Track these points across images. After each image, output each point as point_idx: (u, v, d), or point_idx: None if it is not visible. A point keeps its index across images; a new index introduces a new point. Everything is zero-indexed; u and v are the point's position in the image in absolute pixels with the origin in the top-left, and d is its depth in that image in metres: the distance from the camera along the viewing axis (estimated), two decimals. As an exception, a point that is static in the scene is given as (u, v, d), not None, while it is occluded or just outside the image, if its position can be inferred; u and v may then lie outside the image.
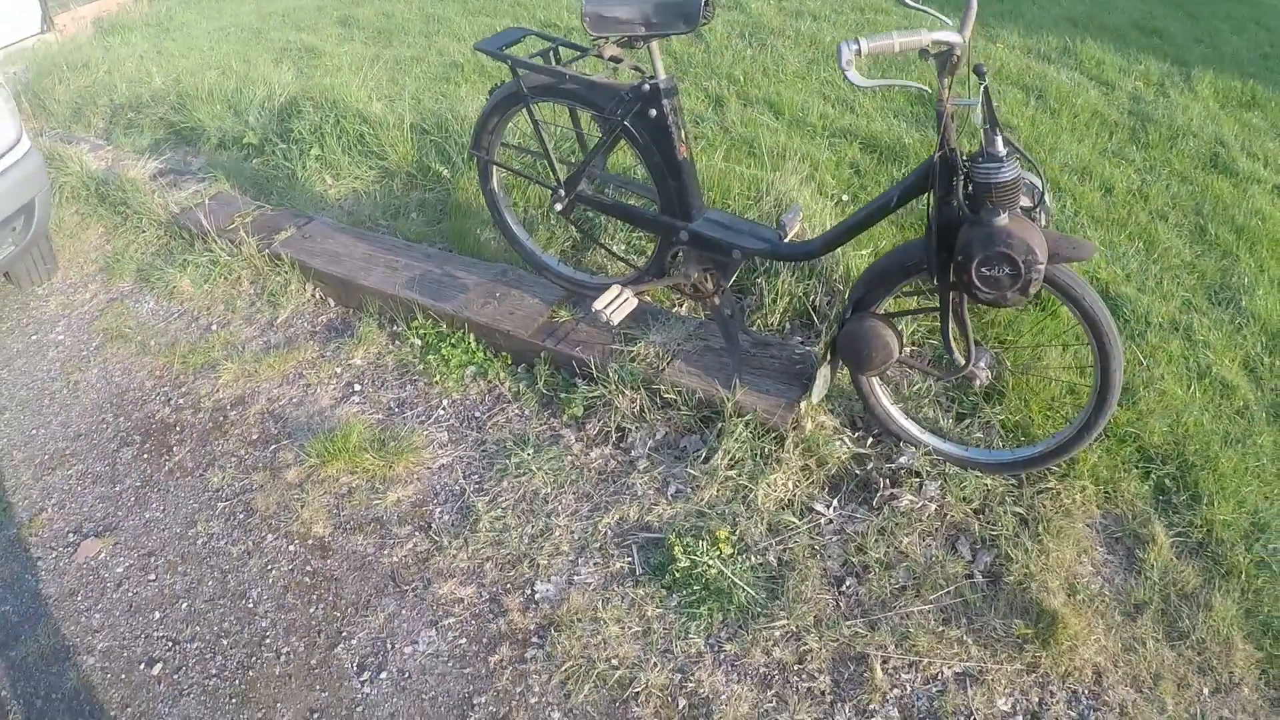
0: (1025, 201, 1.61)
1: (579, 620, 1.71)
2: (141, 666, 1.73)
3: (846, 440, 2.05)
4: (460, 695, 1.63)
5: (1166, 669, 1.60)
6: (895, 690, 1.58)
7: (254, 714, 1.63)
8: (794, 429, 2.03)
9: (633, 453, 2.11)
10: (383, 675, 1.67)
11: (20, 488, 2.18)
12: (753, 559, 1.80)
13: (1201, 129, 3.40)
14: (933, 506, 1.88)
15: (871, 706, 1.55)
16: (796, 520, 1.87)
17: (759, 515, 1.88)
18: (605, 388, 2.17)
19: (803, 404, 2.03)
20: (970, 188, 1.56)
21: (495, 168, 2.38)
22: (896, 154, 3.05)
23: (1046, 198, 1.63)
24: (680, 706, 1.57)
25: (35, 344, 2.71)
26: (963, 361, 1.84)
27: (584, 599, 1.76)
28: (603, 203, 2.20)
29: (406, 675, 1.67)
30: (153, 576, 1.92)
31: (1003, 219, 1.51)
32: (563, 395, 2.24)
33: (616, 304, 2.09)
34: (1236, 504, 1.86)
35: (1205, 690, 1.58)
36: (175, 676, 1.71)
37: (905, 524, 1.84)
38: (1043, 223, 1.65)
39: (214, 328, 2.72)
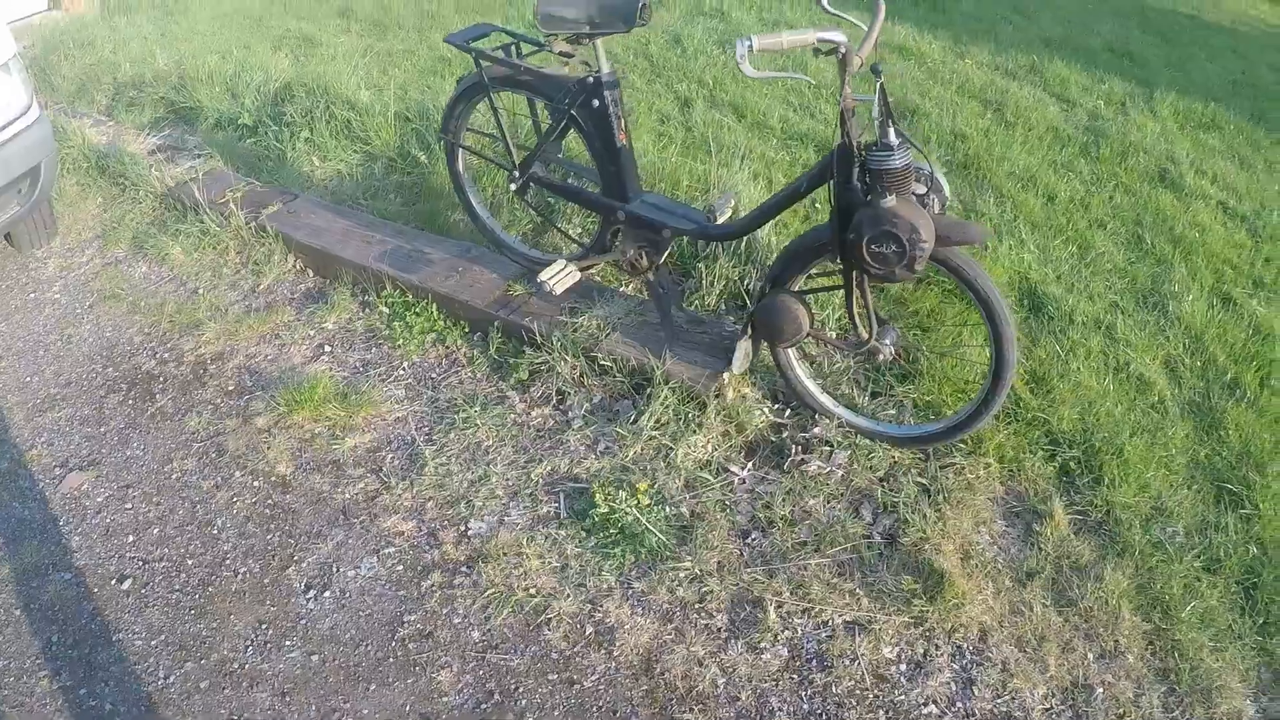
0: (919, 188, 1.81)
1: (505, 554, 1.94)
2: (113, 582, 1.96)
3: (766, 410, 2.27)
4: (393, 614, 1.85)
5: (1052, 632, 1.76)
6: (787, 632, 1.79)
7: (209, 624, 1.86)
8: (716, 397, 2.25)
9: (570, 414, 2.33)
10: (326, 594, 1.90)
11: (14, 427, 2.42)
12: (667, 510, 2.02)
13: (1154, 146, 3.61)
14: (840, 473, 2.10)
15: (763, 645, 1.76)
16: (711, 478, 2.08)
17: (677, 472, 2.10)
18: (549, 354, 2.40)
19: (725, 375, 2.25)
20: (866, 175, 1.77)
21: (461, 150, 2.61)
22: None
23: (942, 185, 1.84)
24: (587, 632, 1.79)
25: (33, 301, 2.95)
26: (865, 336, 2.05)
27: (511, 536, 1.98)
28: (553, 184, 2.44)
29: (347, 595, 1.89)
30: (129, 505, 2.16)
31: (891, 201, 1.71)
32: (511, 360, 2.47)
33: (560, 276, 2.32)
34: (1140, 488, 2.03)
35: (1090, 655, 1.73)
36: (143, 591, 1.94)
37: (813, 487, 2.05)
38: (937, 208, 1.85)
39: (200, 291, 2.96)
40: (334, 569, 1.95)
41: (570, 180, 2.56)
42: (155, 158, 3.66)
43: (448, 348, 2.62)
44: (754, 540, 1.97)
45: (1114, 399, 2.25)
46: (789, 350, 2.19)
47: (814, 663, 1.72)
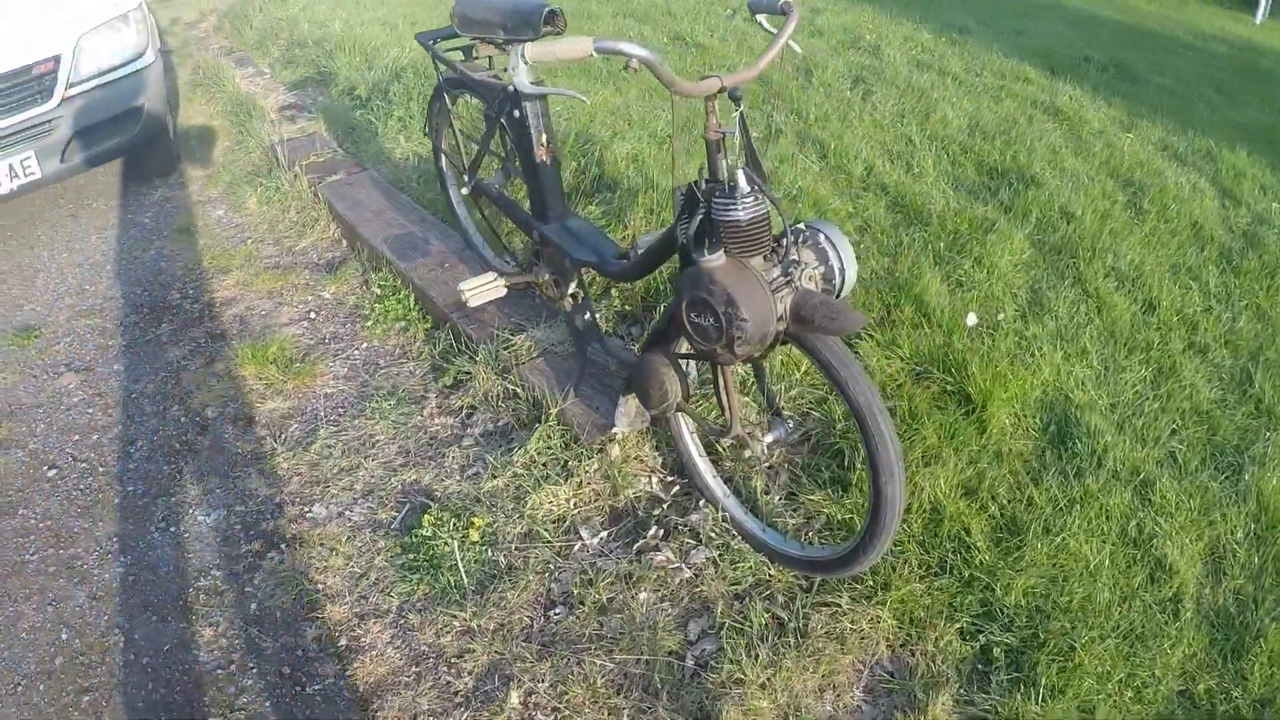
0: (808, 258, 1.62)
1: (321, 544, 2.14)
2: (45, 469, 2.44)
3: (652, 480, 2.25)
4: (205, 565, 2.12)
5: None
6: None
7: (82, 524, 2.24)
8: (599, 451, 2.27)
9: (470, 430, 2.47)
10: (170, 529, 2.22)
11: (55, 325, 3.04)
12: (490, 553, 2.08)
13: (1326, 269, 2.99)
14: (689, 574, 1.98)
15: (485, 728, 1.76)
16: (551, 536, 2.10)
17: (523, 519, 2.15)
18: (473, 367, 2.55)
19: (616, 430, 2.27)
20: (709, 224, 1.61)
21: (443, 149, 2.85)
22: (920, 217, 3.06)
23: (842, 258, 1.63)
24: (339, 643, 1.92)
25: (127, 221, 3.64)
26: (727, 423, 1.95)
27: (338, 530, 2.17)
28: (492, 192, 2.58)
29: (185, 536, 2.20)
30: (90, 411, 2.64)
31: (716, 261, 1.55)
32: (446, 365, 2.66)
33: (480, 289, 2.45)
34: (1080, 712, 1.63)
35: None
36: (58, 482, 2.39)
37: (652, 580, 1.94)
38: (817, 284, 1.63)
39: (249, 241, 3.47)
40: (190, 511, 2.27)
41: (506, 192, 2.68)
42: (281, 115, 4.31)
43: (408, 338, 2.87)
44: (556, 615, 1.93)
45: (1105, 580, 1.86)
46: (681, 418, 2.15)
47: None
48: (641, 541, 2.06)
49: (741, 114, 1.53)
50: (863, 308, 2.56)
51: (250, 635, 1.95)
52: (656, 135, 3.46)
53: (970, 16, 6.22)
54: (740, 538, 2.03)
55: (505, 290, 2.47)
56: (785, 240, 1.61)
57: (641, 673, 1.78)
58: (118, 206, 3.75)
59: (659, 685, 1.75)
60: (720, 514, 2.08)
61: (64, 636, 1.98)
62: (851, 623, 1.81)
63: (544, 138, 2.23)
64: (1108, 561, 1.93)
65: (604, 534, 2.11)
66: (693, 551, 2.03)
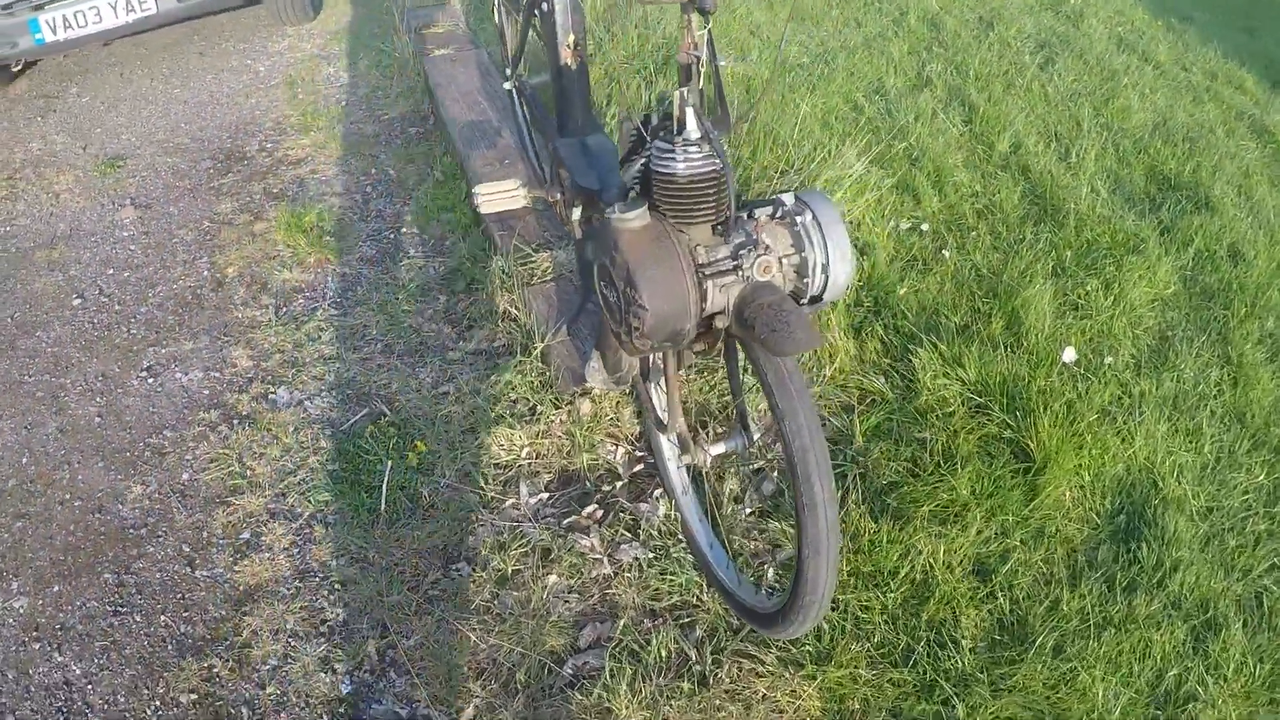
0: (780, 242, 1.26)
1: (268, 430, 2.09)
2: (73, 296, 2.58)
3: (618, 451, 2.00)
4: (165, 423, 2.15)
5: None
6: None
7: (81, 355, 2.36)
8: (569, 403, 2.06)
9: (461, 344, 2.33)
10: (150, 380, 2.28)
11: (140, 157, 3.20)
12: (418, 483, 1.94)
13: None
14: (607, 569, 1.73)
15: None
16: (486, 482, 1.92)
17: (469, 454, 2.00)
18: (481, 275, 2.40)
19: (589, 384, 2.04)
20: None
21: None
22: (1056, 215, 2.51)
23: (828, 249, 1.24)
24: (241, 536, 1.85)
25: (244, 68, 3.76)
26: (662, 419, 1.66)
27: (288, 419, 2.12)
28: (525, 92, 2.34)
29: (161, 390, 2.25)
30: (132, 248, 2.77)
31: (630, 221, 1.26)
32: (465, 266, 2.52)
33: (497, 194, 2.26)
34: None
35: None
36: (78, 313, 2.52)
37: (566, 565, 1.73)
38: (782, 276, 1.28)
39: (345, 104, 3.48)
40: (174, 366, 2.32)
41: (538, 94, 2.42)
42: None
43: (446, 232, 2.75)
44: (455, 571, 1.76)
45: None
46: (653, 389, 1.87)
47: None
48: (573, 519, 1.84)
49: (709, 33, 1.20)
50: (947, 307, 2.12)
51: (170, 504, 1.96)
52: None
53: (1199, 4, 5.07)
54: (685, 544, 1.75)
55: (524, 201, 2.27)
56: (747, 213, 1.29)
57: (510, 665, 1.59)
58: (241, 52, 3.89)
59: (520, 686, 1.56)
60: (672, 510, 1.82)
61: (24, 461, 2.09)
62: (768, 688, 1.51)
63: (571, 38, 1.96)
64: (1119, 716, 1.45)
65: (544, 495, 1.91)
66: (624, 546, 1.78)
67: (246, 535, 1.88)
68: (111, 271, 2.67)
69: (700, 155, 1.24)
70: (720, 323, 1.28)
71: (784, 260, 1.26)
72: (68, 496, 2.00)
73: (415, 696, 1.57)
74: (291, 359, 2.31)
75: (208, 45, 3.97)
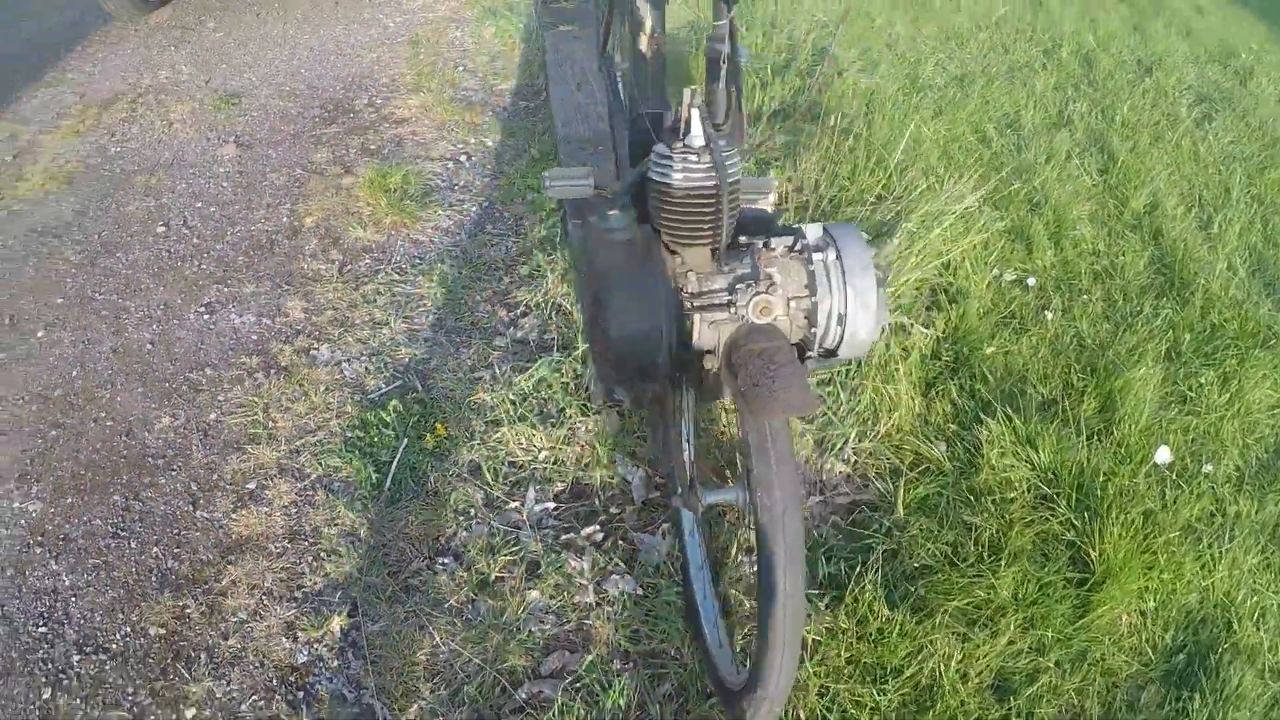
0: (792, 279, 1.13)
1: (301, 385, 2.18)
2: (159, 224, 2.78)
3: (637, 473, 1.96)
4: (206, 359, 2.28)
5: None
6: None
7: (153, 282, 2.54)
8: (597, 412, 2.05)
9: (511, 331, 2.36)
10: (206, 317, 2.42)
11: (257, 96, 3.42)
12: (429, 467, 1.97)
13: None
14: (590, 599, 1.69)
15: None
16: (494, 479, 1.93)
17: (486, 447, 2.01)
18: (544, 260, 2.43)
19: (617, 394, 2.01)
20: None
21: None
22: (1183, 291, 2.30)
23: (847, 301, 1.12)
24: (246, 486, 1.93)
25: (376, 20, 3.96)
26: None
27: (324, 377, 2.21)
28: (608, 74, 2.33)
29: (212, 329, 2.38)
30: (226, 184, 2.96)
31: (615, 231, 1.18)
32: (535, 251, 2.55)
33: (565, 181, 2.26)
34: None
35: None
36: (159, 242, 2.71)
37: (549, 585, 1.71)
38: (809, 333, 1.18)
39: (462, 70, 3.60)
40: (232, 306, 2.46)
41: (620, 76, 2.41)
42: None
43: (525, 212, 2.80)
44: (440, 565, 1.77)
45: None
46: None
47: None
48: (569, 536, 1.82)
49: (730, 21, 1.14)
50: (1037, 376, 1.96)
51: (191, 441, 2.08)
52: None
53: None
54: (680, 588, 1.70)
55: (592, 191, 2.27)
56: (764, 243, 1.19)
57: (464, 675, 1.59)
58: (377, 5, 4.09)
59: (468, 699, 1.55)
60: (676, 549, 1.77)
61: (74, 374, 2.27)
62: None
63: (650, 26, 1.94)
64: None
65: (550, 505, 1.90)
66: (614, 577, 1.75)
67: (252, 486, 1.97)
68: (200, 205, 2.86)
69: (702, 167, 1.14)
70: (709, 363, 1.20)
71: (792, 303, 1.17)
72: (103, 415, 2.15)
73: (365, 683, 1.59)
74: (342, 318, 2.40)
75: (347, -4, 4.21)
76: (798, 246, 1.19)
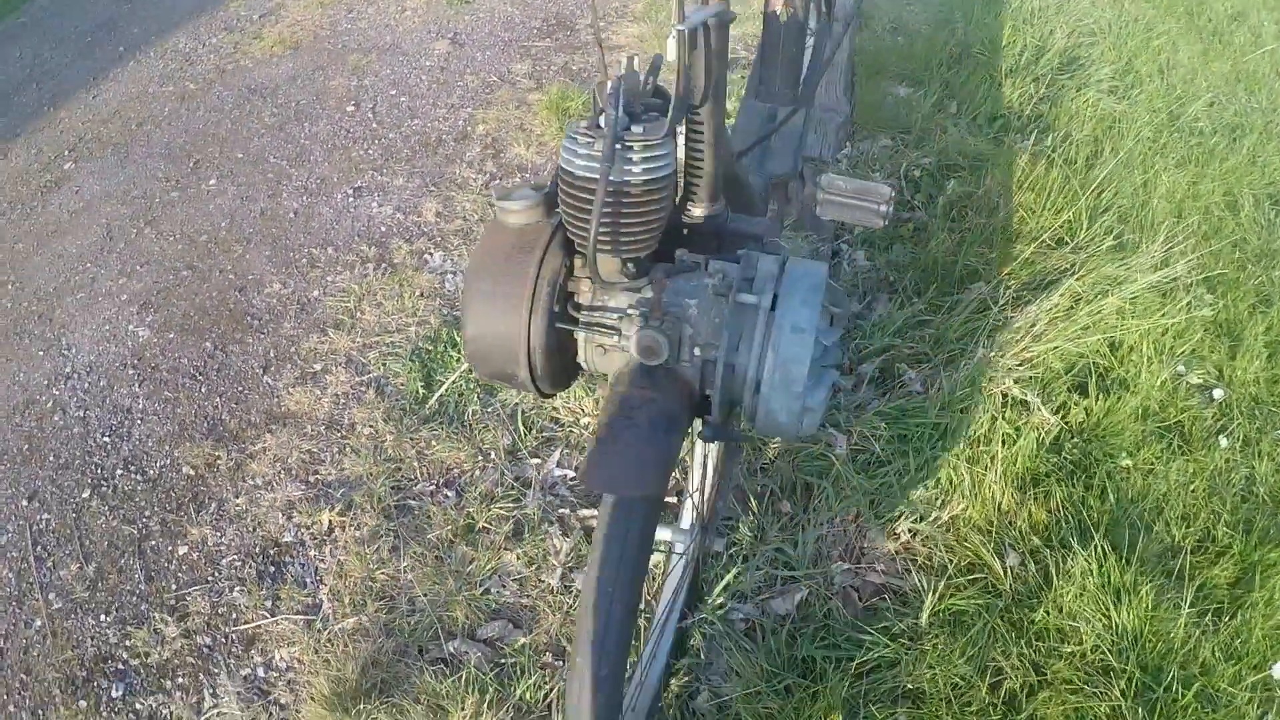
0: (705, 339, 1.03)
1: (405, 284, 2.42)
2: (349, 103, 3.14)
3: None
4: (328, 239, 2.58)
5: None
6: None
7: (319, 155, 2.89)
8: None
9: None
10: (351, 199, 2.73)
11: (489, 2, 3.72)
12: (477, 397, 2.14)
13: None
14: (554, 580, 1.75)
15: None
16: (528, 432, 2.03)
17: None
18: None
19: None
20: None
21: None
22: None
23: (766, 389, 1.01)
24: (313, 368, 2.21)
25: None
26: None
27: (429, 282, 2.43)
28: None
29: (352, 211, 2.68)
30: (424, 78, 3.26)
31: (506, 211, 1.07)
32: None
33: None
34: None
35: None
36: (345, 118, 3.07)
37: (524, 555, 1.79)
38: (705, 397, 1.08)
39: (695, 4, 3.68)
40: (376, 195, 2.74)
41: None
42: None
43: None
44: (443, 496, 1.92)
45: None
46: None
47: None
48: (565, 511, 1.89)
49: None
50: (1175, 517, 1.72)
51: (288, 311, 2.38)
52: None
53: None
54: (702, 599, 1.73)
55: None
56: (706, 263, 1.09)
57: (408, 608, 1.73)
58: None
59: (400, 631, 1.69)
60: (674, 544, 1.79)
61: (223, 225, 2.67)
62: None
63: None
64: None
65: (569, 473, 1.99)
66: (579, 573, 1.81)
67: (318, 367, 2.23)
68: (393, 93, 3.19)
69: (593, 154, 0.97)
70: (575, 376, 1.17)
71: (696, 350, 1.04)
72: (229, 268, 2.52)
73: (322, 580, 1.79)
74: (468, 229, 2.61)
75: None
76: (722, 281, 1.05)
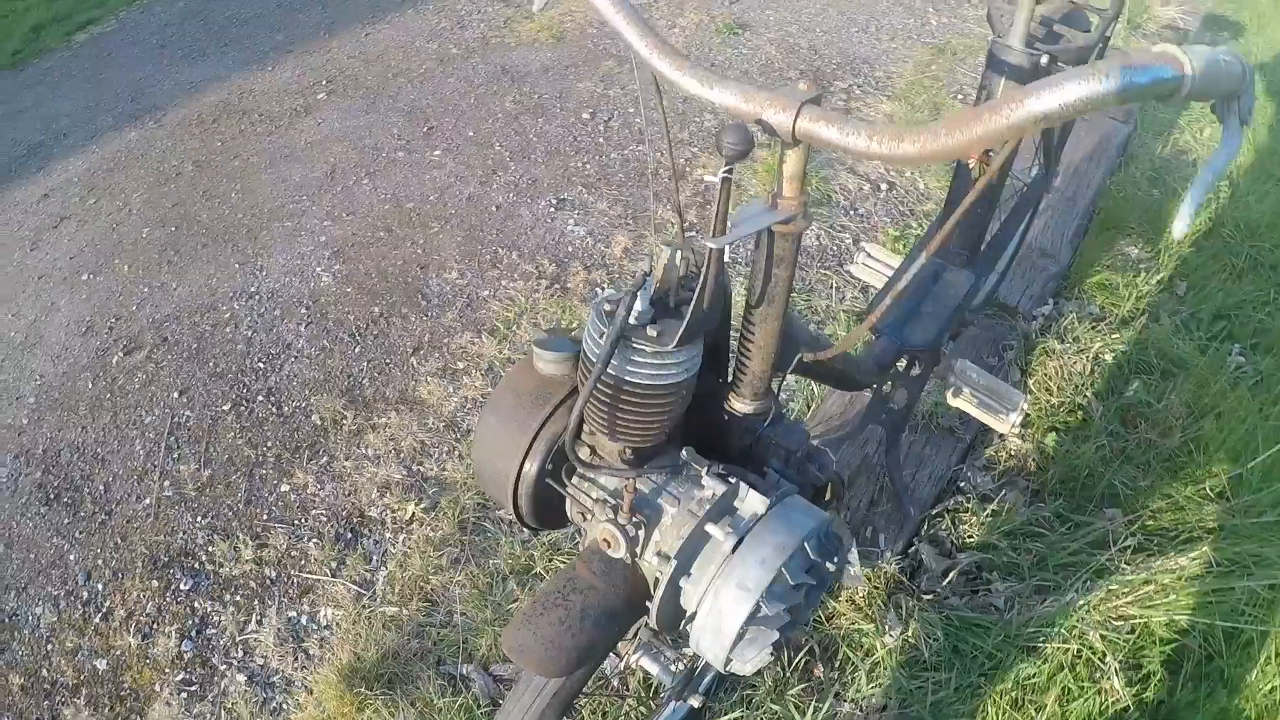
0: (658, 548, 1.06)
1: (562, 310, 2.66)
2: (585, 111, 3.42)
3: None
4: (514, 242, 2.85)
5: None
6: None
7: (534, 162, 3.19)
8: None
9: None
10: (550, 209, 3.00)
11: (758, 31, 3.89)
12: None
13: None
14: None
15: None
16: None
17: None
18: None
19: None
20: None
21: None
22: None
23: (698, 630, 1.06)
24: (456, 365, 2.50)
25: (920, 10, 4.18)
26: None
27: (587, 311, 2.66)
28: None
29: (544, 222, 2.95)
30: (666, 102, 3.49)
31: (538, 358, 1.15)
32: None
33: (874, 262, 2.36)
34: None
35: None
36: (578, 127, 3.35)
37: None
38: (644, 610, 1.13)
39: (957, 97, 3.71)
40: (575, 212, 3.00)
41: None
42: None
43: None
44: (525, 537, 2.19)
45: None
46: None
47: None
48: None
49: (726, 175, 0.95)
50: None
51: (456, 302, 2.67)
52: None
53: None
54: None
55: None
56: (711, 469, 1.09)
57: (453, 621, 1.96)
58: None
59: (434, 644, 1.93)
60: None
61: (431, 199, 3.01)
62: None
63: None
64: None
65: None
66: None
67: (461, 365, 2.51)
68: (631, 111, 3.45)
69: (604, 347, 0.95)
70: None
71: (653, 557, 1.08)
72: (421, 242, 2.85)
73: (385, 563, 2.05)
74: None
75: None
76: (709, 497, 1.07)
